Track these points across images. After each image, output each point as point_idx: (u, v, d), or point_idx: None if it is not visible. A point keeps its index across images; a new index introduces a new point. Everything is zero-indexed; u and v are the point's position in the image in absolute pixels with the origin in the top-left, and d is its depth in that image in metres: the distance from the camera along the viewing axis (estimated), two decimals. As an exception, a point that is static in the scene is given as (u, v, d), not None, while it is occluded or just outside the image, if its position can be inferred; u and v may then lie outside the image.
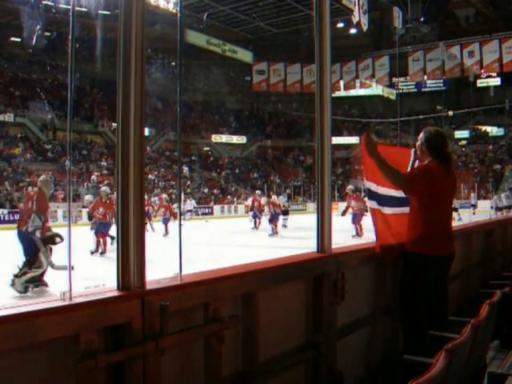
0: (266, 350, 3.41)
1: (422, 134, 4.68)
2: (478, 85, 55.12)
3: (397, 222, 4.77)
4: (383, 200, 4.78)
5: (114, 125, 44.16)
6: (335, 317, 4.04)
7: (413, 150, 4.93)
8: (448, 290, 5.71)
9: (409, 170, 4.89)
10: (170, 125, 51.71)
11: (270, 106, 65.44)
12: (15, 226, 29.22)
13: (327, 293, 3.92)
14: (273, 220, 25.86)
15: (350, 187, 25.28)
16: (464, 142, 57.87)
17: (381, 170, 4.47)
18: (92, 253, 17.25)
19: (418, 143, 4.67)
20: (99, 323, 2.41)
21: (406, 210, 4.72)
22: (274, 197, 29.92)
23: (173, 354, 2.78)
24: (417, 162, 4.89)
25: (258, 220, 28.88)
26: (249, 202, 35.19)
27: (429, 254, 4.46)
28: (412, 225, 4.57)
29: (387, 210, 4.81)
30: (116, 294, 2.55)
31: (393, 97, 58.11)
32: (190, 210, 37.75)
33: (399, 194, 4.69)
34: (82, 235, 21.56)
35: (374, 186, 4.74)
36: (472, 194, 40.77)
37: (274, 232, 25.23)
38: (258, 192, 31.82)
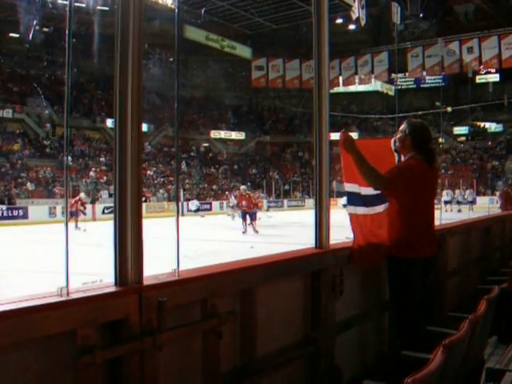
0: (264, 346, 3.41)
1: (404, 126, 4.43)
2: (477, 81, 55.05)
3: (380, 220, 4.53)
4: (369, 200, 4.48)
5: (109, 121, 44.27)
6: (333, 312, 4.04)
7: (392, 141, 4.57)
8: (439, 287, 5.73)
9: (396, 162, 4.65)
10: (169, 120, 51.65)
11: (268, 101, 65.36)
12: (14, 222, 29.84)
13: (325, 288, 3.92)
14: (245, 216, 25.43)
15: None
16: (463, 138, 57.85)
17: (359, 169, 4.19)
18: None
19: (400, 135, 4.43)
20: (96, 319, 2.41)
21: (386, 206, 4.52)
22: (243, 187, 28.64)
23: (170, 350, 2.78)
24: (396, 155, 4.63)
25: (254, 216, 28.88)
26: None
27: (413, 257, 4.30)
28: (393, 227, 4.38)
29: (376, 209, 4.53)
30: (113, 289, 2.55)
31: (391, 93, 58.05)
32: (197, 210, 38.35)
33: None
34: (81, 231, 21.64)
35: (356, 187, 4.43)
36: (467, 191, 40.64)
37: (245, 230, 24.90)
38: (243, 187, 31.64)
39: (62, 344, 2.32)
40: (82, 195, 28.99)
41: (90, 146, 47.66)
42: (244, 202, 25.26)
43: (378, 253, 4.45)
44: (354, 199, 4.46)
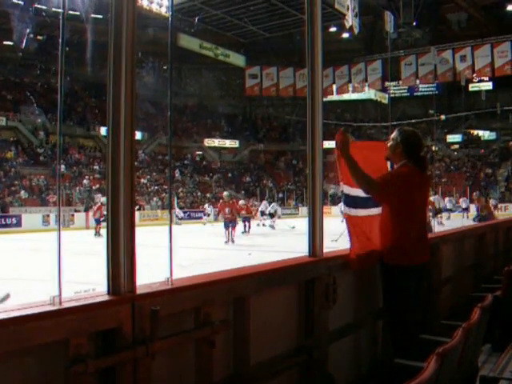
0: (257, 355, 3.40)
1: (395, 134, 4.45)
2: (470, 89, 55.32)
3: (372, 224, 4.56)
4: (358, 202, 4.49)
5: (103, 129, 44.28)
6: (327, 321, 4.03)
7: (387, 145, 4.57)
8: (433, 294, 5.72)
9: (389, 167, 4.69)
10: (163, 129, 51.67)
11: (262, 110, 65.47)
12: (7, 230, 29.67)
13: (319, 297, 3.91)
14: (228, 226, 23.43)
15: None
16: (456, 146, 58.03)
17: (351, 174, 4.23)
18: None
19: (391, 143, 4.45)
20: (89, 328, 2.40)
21: (377, 210, 4.54)
22: (225, 194, 25.96)
23: (163, 359, 2.77)
24: (388, 163, 4.67)
25: (247, 224, 28.80)
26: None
27: (407, 264, 4.30)
28: (386, 234, 4.38)
29: (362, 212, 4.55)
30: (106, 298, 2.54)
31: (385, 101, 58.34)
32: (180, 218, 38.37)
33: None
34: (74, 239, 21.59)
35: (347, 188, 4.45)
36: (461, 199, 40.73)
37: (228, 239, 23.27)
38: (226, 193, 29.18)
39: (54, 353, 2.31)
40: (104, 200, 28.20)
41: (84, 154, 47.61)
42: (227, 210, 23.56)
43: (370, 256, 4.46)
44: (347, 200, 4.48)
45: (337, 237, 14.04)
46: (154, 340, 2.58)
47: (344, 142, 4.23)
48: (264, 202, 37.57)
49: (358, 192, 4.42)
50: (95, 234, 26.64)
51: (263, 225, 34.33)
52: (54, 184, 39.86)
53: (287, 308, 3.84)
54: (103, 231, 25.84)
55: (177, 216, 38.40)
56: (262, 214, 35.75)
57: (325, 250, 4.15)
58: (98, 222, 27.27)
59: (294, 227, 30.97)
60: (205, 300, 2.98)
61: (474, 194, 25.28)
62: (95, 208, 28.15)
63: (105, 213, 27.49)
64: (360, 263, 4.37)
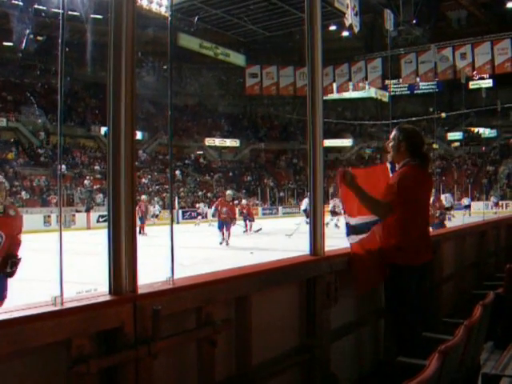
0: (259, 354, 3.40)
1: (396, 133, 4.42)
2: (471, 87, 55.21)
3: (370, 240, 4.47)
4: (357, 229, 4.42)
5: (104, 129, 44.23)
6: (329, 319, 4.03)
7: (388, 164, 4.58)
8: (435, 292, 5.72)
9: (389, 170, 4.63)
10: (163, 128, 51.62)
11: (263, 109, 65.41)
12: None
13: (320, 295, 3.91)
14: (222, 226, 22.23)
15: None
16: (457, 144, 57.98)
17: (362, 202, 4.21)
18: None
19: (393, 143, 4.42)
20: (91, 328, 2.40)
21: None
22: (229, 192, 24.79)
23: (165, 359, 2.77)
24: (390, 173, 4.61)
25: (249, 223, 28.77)
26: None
27: (410, 264, 4.28)
28: (391, 234, 4.35)
29: (362, 235, 4.45)
30: (108, 298, 2.54)
31: (385, 99, 58.26)
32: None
33: (371, 218, 4.38)
34: (76, 240, 21.59)
35: (347, 218, 4.42)
36: (464, 198, 40.71)
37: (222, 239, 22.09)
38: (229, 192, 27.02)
39: (56, 353, 2.31)
40: (144, 197, 29.23)
41: (85, 154, 47.59)
42: (224, 209, 22.13)
43: (374, 278, 4.48)
44: (351, 230, 4.43)
45: (291, 232, 13.79)
46: (155, 340, 2.58)
47: (348, 176, 4.18)
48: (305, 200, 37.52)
49: (357, 220, 4.40)
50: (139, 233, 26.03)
51: (306, 223, 33.55)
52: (55, 184, 39.81)
53: (289, 307, 3.84)
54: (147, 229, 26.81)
55: (200, 214, 38.29)
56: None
57: (326, 249, 4.15)
58: (141, 221, 26.60)
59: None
60: (206, 299, 2.97)
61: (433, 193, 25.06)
62: (137, 208, 27.58)
63: (145, 210, 27.48)
64: (366, 286, 4.43)
